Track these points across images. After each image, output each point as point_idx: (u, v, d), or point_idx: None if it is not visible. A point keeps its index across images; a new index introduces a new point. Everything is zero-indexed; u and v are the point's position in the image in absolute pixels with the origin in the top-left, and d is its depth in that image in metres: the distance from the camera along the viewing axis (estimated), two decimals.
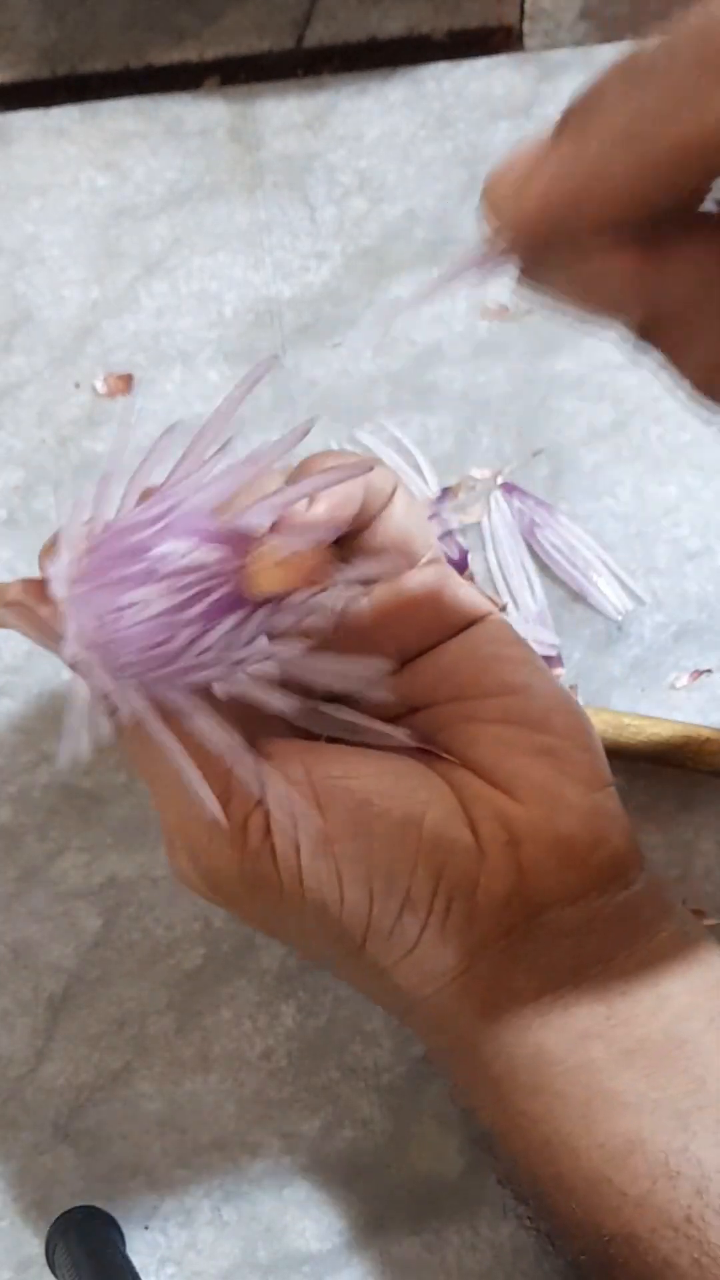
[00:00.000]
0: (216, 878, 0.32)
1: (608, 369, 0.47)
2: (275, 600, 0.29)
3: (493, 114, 0.49)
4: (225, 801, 0.31)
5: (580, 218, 0.22)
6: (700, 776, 0.42)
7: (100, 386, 0.47)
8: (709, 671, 0.44)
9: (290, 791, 0.31)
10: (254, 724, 0.32)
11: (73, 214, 0.48)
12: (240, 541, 0.28)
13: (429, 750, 0.33)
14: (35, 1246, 0.40)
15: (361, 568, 0.32)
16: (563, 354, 0.47)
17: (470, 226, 0.48)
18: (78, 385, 0.47)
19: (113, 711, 0.31)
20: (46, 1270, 0.39)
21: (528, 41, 0.51)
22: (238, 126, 0.49)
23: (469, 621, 0.34)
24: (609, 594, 0.44)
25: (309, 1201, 0.40)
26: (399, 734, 0.34)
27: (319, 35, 0.50)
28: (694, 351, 0.24)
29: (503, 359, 0.47)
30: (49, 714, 0.44)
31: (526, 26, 0.51)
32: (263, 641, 0.30)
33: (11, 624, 0.31)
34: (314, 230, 0.48)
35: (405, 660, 0.34)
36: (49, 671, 0.44)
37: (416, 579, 0.34)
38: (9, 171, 0.49)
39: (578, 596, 0.44)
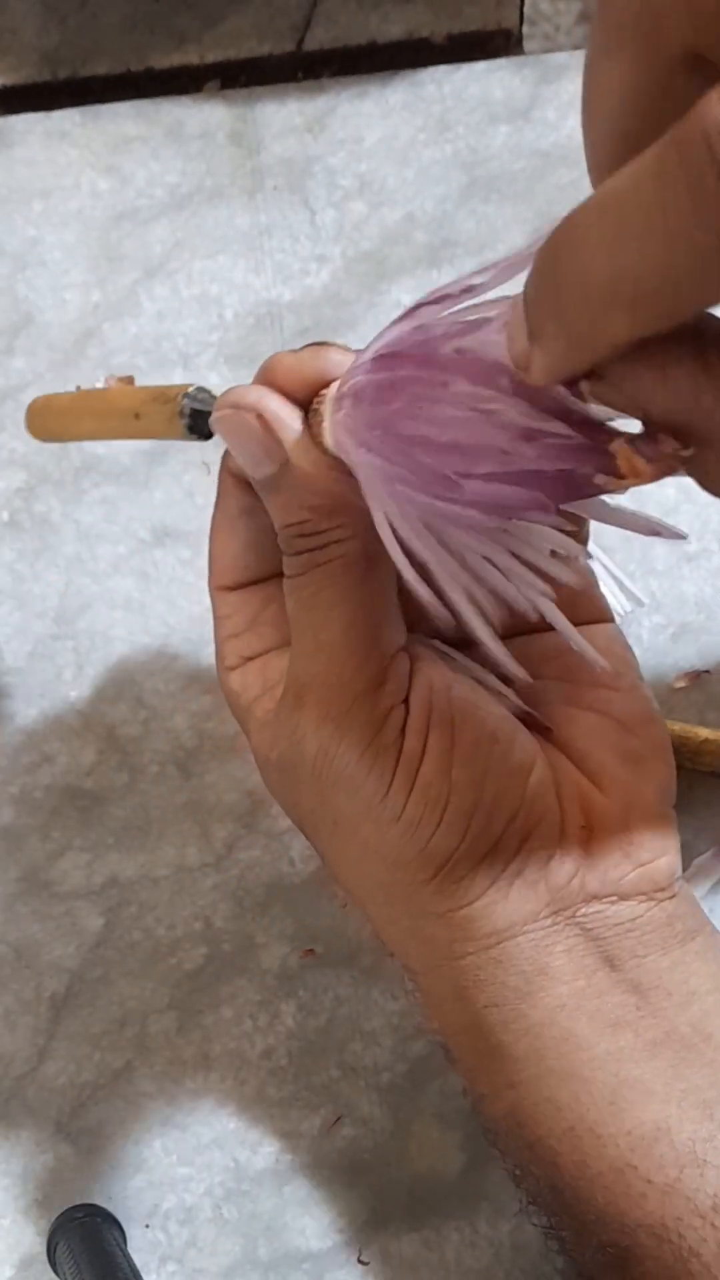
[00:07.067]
0: (335, 749, 0.31)
1: None
2: (589, 494, 0.27)
3: (492, 117, 0.49)
4: (377, 686, 0.31)
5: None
6: (698, 777, 0.42)
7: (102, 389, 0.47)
8: (707, 672, 0.44)
9: (434, 699, 0.31)
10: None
11: (74, 217, 0.48)
12: (592, 424, 0.27)
13: (530, 718, 0.34)
14: (37, 1244, 0.40)
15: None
16: None
17: (469, 229, 0.48)
18: (79, 388, 0.47)
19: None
20: (48, 1268, 0.39)
21: (527, 45, 0.51)
22: (238, 130, 0.49)
23: (593, 619, 0.35)
24: (607, 595, 0.44)
25: (309, 1199, 0.40)
26: (510, 693, 0.34)
27: (319, 39, 0.50)
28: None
29: None
30: (50, 715, 0.44)
31: (525, 30, 0.51)
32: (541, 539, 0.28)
33: (227, 430, 0.30)
34: (314, 233, 0.48)
35: (519, 632, 0.34)
36: (50, 673, 0.45)
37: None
38: (10, 175, 0.49)
39: None
